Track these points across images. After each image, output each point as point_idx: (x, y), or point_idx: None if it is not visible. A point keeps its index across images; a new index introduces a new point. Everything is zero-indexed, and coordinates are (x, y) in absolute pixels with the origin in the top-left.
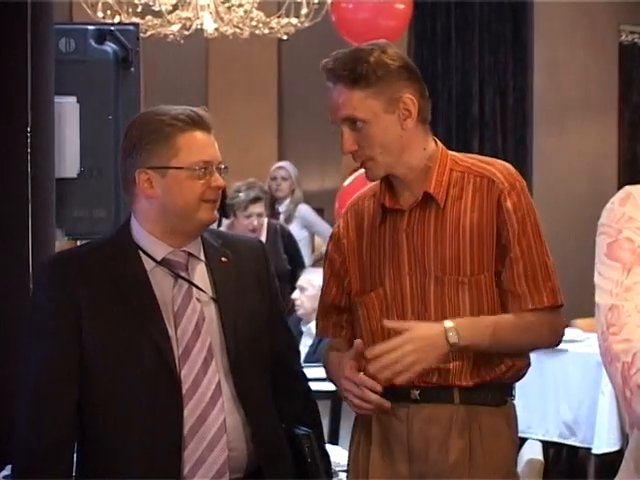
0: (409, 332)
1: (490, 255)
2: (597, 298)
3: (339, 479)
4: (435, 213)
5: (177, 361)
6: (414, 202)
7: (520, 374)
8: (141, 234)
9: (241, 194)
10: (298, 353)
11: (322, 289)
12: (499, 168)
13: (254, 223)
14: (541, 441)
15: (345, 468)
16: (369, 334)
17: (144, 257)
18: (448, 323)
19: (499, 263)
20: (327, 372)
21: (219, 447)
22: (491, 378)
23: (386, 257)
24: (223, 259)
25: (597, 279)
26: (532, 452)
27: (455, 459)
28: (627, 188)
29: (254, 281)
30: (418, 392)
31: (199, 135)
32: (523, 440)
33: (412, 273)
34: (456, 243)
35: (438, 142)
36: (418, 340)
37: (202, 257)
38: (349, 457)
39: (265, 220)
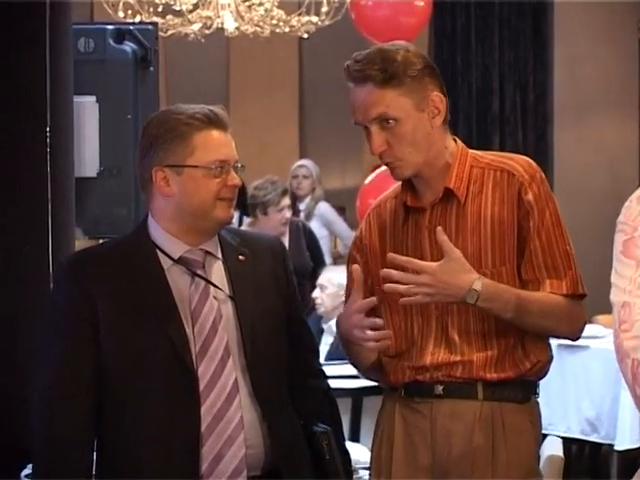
0: (437, 270)
1: (511, 247)
2: (612, 296)
3: (359, 477)
4: (456, 209)
5: (194, 359)
6: (435, 199)
7: (544, 371)
8: (158, 232)
9: (269, 190)
10: (317, 351)
11: (345, 292)
12: (518, 161)
13: (286, 215)
14: (563, 438)
15: (366, 465)
16: (391, 331)
17: (161, 255)
18: (476, 283)
19: (520, 255)
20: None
21: (237, 444)
22: (515, 375)
23: (409, 254)
24: (241, 257)
25: (613, 277)
26: (553, 448)
27: (478, 456)
28: None
29: (272, 279)
30: (442, 387)
31: (215, 134)
32: (544, 436)
33: None
34: (477, 237)
35: (458, 140)
36: (439, 282)
37: (219, 255)
38: (371, 454)
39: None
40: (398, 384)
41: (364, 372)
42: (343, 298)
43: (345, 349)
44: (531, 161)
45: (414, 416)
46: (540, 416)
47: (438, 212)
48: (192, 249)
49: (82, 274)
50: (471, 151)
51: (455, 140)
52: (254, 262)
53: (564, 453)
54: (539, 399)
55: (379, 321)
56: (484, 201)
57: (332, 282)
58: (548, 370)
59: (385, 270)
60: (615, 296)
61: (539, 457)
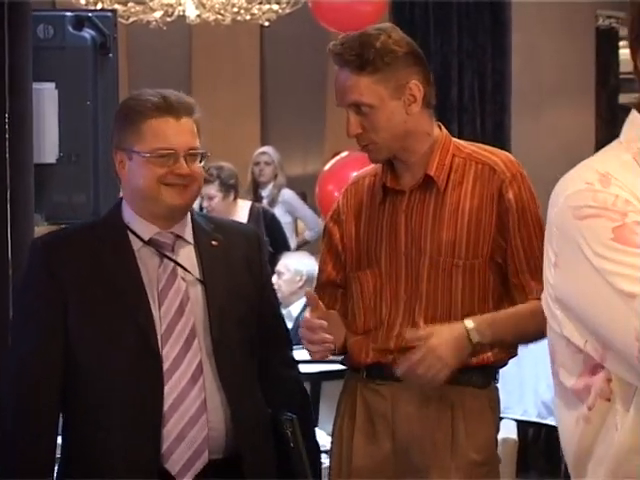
0: (431, 340)
1: (486, 242)
2: (620, 284)
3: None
4: (435, 196)
5: (159, 340)
6: (415, 184)
7: (506, 359)
8: (129, 214)
9: None
10: (288, 340)
11: (319, 265)
12: (501, 157)
13: (204, 204)
14: (520, 421)
15: (326, 449)
16: (361, 310)
17: (132, 237)
18: (469, 323)
19: (498, 251)
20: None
21: (199, 425)
22: (477, 362)
23: (383, 236)
24: (213, 242)
25: (604, 264)
26: (507, 431)
27: (438, 439)
28: (596, 167)
29: (244, 266)
30: None
31: (165, 122)
32: (499, 419)
33: (408, 253)
34: (453, 227)
35: (442, 127)
36: (440, 346)
37: (190, 240)
38: (332, 436)
39: (248, 203)
40: (361, 365)
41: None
42: (300, 284)
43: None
44: (514, 159)
45: (375, 398)
46: (499, 401)
47: (417, 197)
48: (162, 232)
49: (53, 257)
50: (454, 140)
51: (440, 127)
52: (227, 248)
53: (521, 436)
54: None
55: (329, 337)
56: (464, 192)
57: (289, 268)
58: (510, 358)
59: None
60: (627, 286)
61: (496, 440)
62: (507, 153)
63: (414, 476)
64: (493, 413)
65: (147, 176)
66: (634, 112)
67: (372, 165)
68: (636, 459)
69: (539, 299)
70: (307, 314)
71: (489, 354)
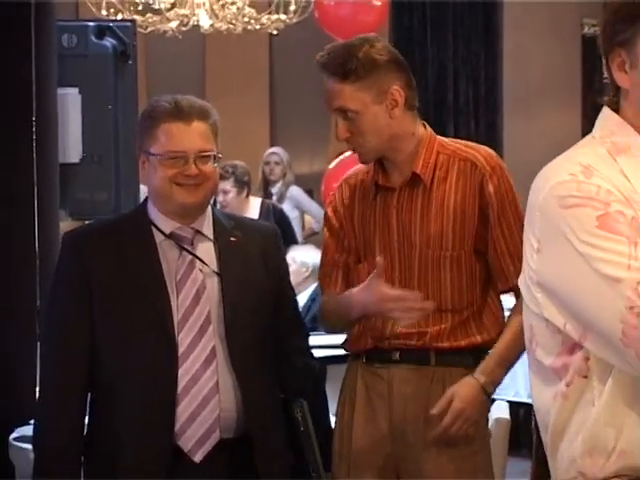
0: (455, 403)
1: (471, 233)
2: (605, 270)
3: None
4: (422, 192)
5: (175, 326)
6: (403, 181)
7: (494, 340)
8: (152, 211)
9: None
10: (304, 329)
11: (322, 250)
12: (482, 153)
13: (219, 199)
14: (512, 402)
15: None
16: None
17: (155, 231)
18: (481, 378)
19: (481, 242)
20: (334, 315)
21: (211, 406)
22: (466, 344)
23: (377, 229)
24: (232, 239)
25: (589, 250)
26: (499, 412)
27: (431, 417)
28: (578, 160)
29: (260, 261)
30: (398, 353)
31: (176, 126)
32: (492, 401)
33: (400, 246)
34: (440, 220)
35: (427, 127)
36: (465, 409)
37: (210, 235)
38: (335, 418)
39: (259, 200)
40: (360, 351)
41: (340, 328)
42: (306, 275)
43: (332, 316)
44: (493, 153)
45: (374, 379)
46: None
47: (406, 193)
48: (182, 227)
49: (82, 249)
50: (439, 137)
51: (424, 126)
52: (245, 244)
53: (512, 416)
54: None
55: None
56: (448, 187)
57: (295, 260)
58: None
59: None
60: (614, 272)
61: (487, 419)
62: (487, 148)
63: (409, 452)
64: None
65: (160, 176)
66: (606, 109)
67: (359, 167)
68: (611, 432)
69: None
70: (381, 291)
71: (478, 337)
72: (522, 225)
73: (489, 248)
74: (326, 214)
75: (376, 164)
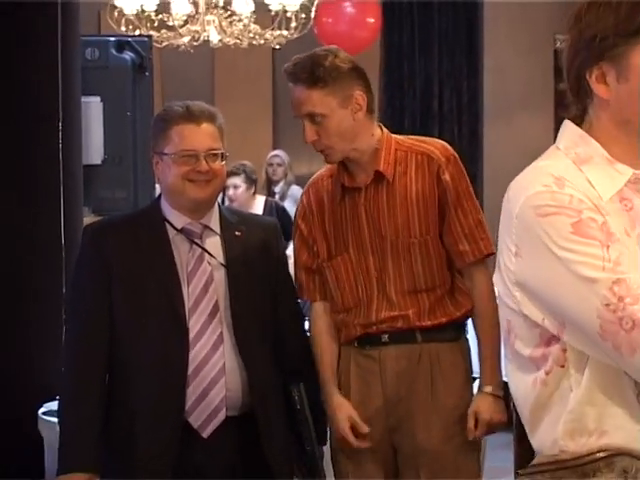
0: (482, 415)
1: (434, 219)
2: (582, 271)
3: None
4: (386, 187)
5: (187, 313)
6: (368, 180)
7: (470, 314)
8: (165, 207)
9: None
10: (300, 313)
11: (295, 257)
12: (436, 145)
13: (229, 193)
14: None
15: None
16: (338, 292)
17: (168, 226)
18: (488, 388)
19: (442, 226)
20: (315, 357)
21: (218, 386)
22: (447, 320)
23: (348, 227)
24: (237, 233)
25: (567, 254)
26: None
27: (421, 389)
28: (550, 172)
29: (262, 252)
30: (387, 336)
31: (188, 128)
32: (472, 369)
33: (372, 239)
34: (405, 210)
35: (383, 128)
36: (493, 418)
37: (217, 230)
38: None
39: (263, 198)
40: (351, 339)
41: None
42: None
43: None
44: (446, 144)
45: (366, 361)
46: (470, 350)
47: (371, 191)
48: (193, 222)
49: (101, 240)
50: (394, 136)
51: (380, 127)
52: (248, 237)
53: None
54: (472, 345)
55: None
56: (409, 180)
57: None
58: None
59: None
60: (592, 273)
61: (472, 387)
62: (440, 141)
63: (402, 424)
64: (465, 361)
65: (174, 173)
66: (568, 122)
67: (326, 167)
68: (590, 415)
69: (473, 262)
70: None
71: (457, 313)
72: (475, 209)
73: (445, 230)
74: (295, 222)
75: (340, 167)
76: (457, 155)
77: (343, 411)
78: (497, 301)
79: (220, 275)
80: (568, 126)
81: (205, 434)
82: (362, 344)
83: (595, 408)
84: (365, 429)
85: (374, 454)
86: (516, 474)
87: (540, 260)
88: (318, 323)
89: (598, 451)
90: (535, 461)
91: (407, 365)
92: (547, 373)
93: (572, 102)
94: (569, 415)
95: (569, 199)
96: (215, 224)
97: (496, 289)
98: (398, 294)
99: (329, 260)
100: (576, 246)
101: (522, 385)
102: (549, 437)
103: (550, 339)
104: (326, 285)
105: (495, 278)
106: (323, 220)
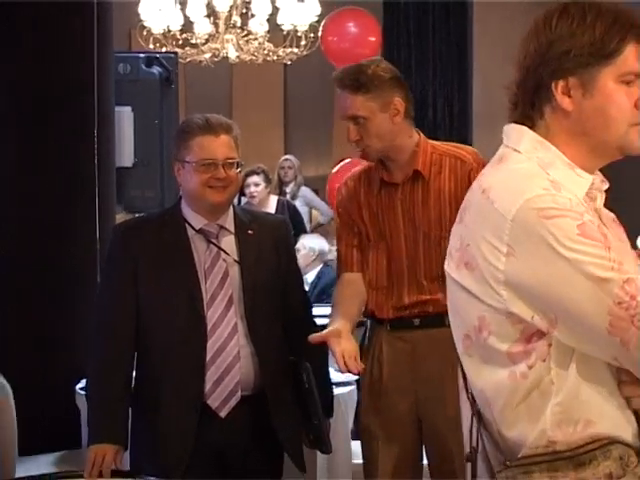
0: None
1: None
2: (594, 272)
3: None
4: (422, 185)
5: (205, 306)
6: (406, 177)
7: None
8: (185, 209)
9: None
10: (308, 302)
11: (337, 237)
12: (467, 151)
13: (250, 190)
14: None
15: (335, 381)
16: (374, 272)
17: (187, 227)
18: None
19: None
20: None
21: (233, 372)
22: None
23: (384, 218)
24: (249, 232)
25: (576, 255)
26: None
27: (446, 371)
28: (543, 175)
29: (273, 249)
30: (418, 320)
31: (207, 139)
32: None
33: (406, 229)
34: (438, 207)
35: (420, 133)
36: None
37: (232, 229)
38: (363, 377)
39: (276, 197)
40: (384, 319)
41: None
42: (313, 257)
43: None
44: (477, 151)
45: (399, 342)
46: None
47: (408, 187)
48: (210, 223)
49: (129, 240)
50: (430, 141)
51: (418, 132)
52: (260, 235)
53: None
54: None
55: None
56: (442, 180)
57: (305, 246)
58: None
59: None
60: (601, 273)
61: None
62: (472, 148)
63: (429, 404)
64: None
65: (194, 180)
66: (522, 127)
67: (361, 166)
68: (576, 406)
69: None
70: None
71: None
72: None
73: None
74: (336, 208)
75: (378, 165)
76: (485, 161)
77: (339, 345)
78: (460, 299)
79: (234, 271)
80: (526, 131)
81: (222, 414)
82: (394, 327)
83: (581, 399)
84: (359, 367)
85: (402, 427)
86: (504, 466)
87: (542, 260)
88: (345, 286)
89: (593, 441)
90: (525, 453)
91: (437, 348)
92: (530, 367)
93: (520, 104)
94: (557, 407)
95: (569, 202)
96: (230, 224)
97: (458, 288)
98: (427, 279)
99: (368, 242)
100: (584, 247)
101: (492, 378)
102: (533, 428)
103: (532, 335)
104: (365, 263)
105: (463, 277)
106: (360, 210)
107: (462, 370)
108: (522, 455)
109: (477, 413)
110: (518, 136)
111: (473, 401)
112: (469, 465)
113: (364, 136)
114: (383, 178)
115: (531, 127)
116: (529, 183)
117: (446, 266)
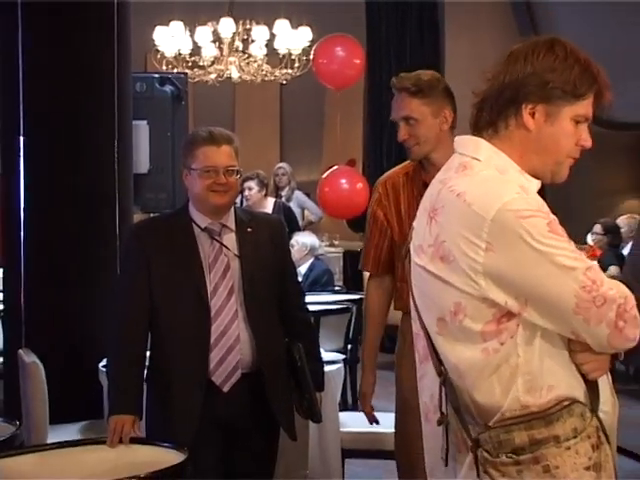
0: None
1: None
2: (563, 262)
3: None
4: None
5: (209, 295)
6: None
7: None
8: (192, 210)
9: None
10: (301, 292)
11: (366, 237)
12: None
13: (245, 193)
14: None
15: (328, 360)
16: (400, 263)
17: (194, 226)
18: None
19: None
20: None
21: (234, 353)
22: None
23: None
24: (249, 229)
25: (547, 249)
26: None
27: None
28: (512, 181)
29: (269, 243)
30: None
31: (210, 149)
32: None
33: None
34: None
35: None
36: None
37: (233, 227)
38: (395, 364)
39: (273, 199)
40: (407, 308)
41: None
42: (305, 252)
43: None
44: None
45: None
46: None
47: None
48: (213, 222)
49: (143, 236)
50: None
51: None
52: (258, 232)
53: None
54: None
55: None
56: None
57: (298, 242)
58: None
59: None
60: (571, 262)
61: None
62: None
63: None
64: None
65: (199, 185)
66: (480, 140)
67: (399, 167)
68: (542, 371)
69: None
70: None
71: None
72: None
73: None
74: (372, 208)
75: (418, 168)
76: None
77: (366, 391)
78: (435, 288)
79: (235, 264)
80: (482, 142)
81: (225, 389)
82: None
83: (544, 369)
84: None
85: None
86: (486, 427)
87: (518, 253)
88: (372, 294)
89: (558, 402)
90: (504, 416)
91: None
92: (502, 344)
93: (487, 110)
94: (526, 376)
95: (537, 204)
96: (231, 223)
97: (431, 278)
98: None
99: (402, 242)
100: (554, 242)
101: (466, 354)
102: (506, 395)
103: (502, 317)
104: (392, 263)
105: (439, 269)
106: (399, 208)
107: (432, 348)
108: (501, 418)
109: (444, 383)
110: (475, 146)
111: (444, 373)
112: (442, 427)
113: (413, 136)
114: (425, 181)
115: (492, 133)
116: (504, 188)
117: (416, 259)
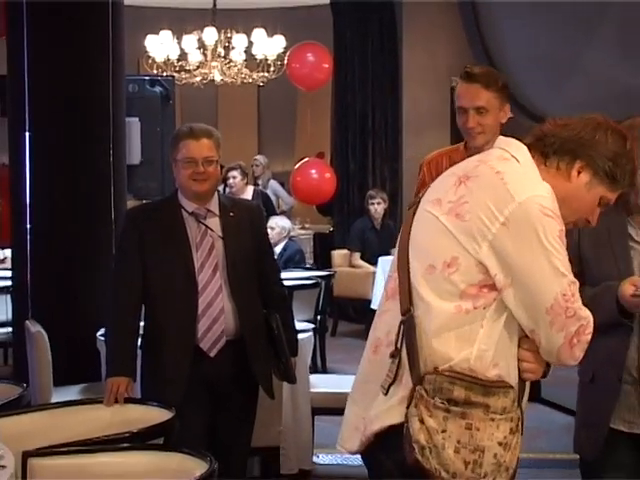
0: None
1: None
2: (558, 266)
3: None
4: None
5: (196, 271)
6: None
7: None
8: (180, 197)
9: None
10: (277, 268)
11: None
12: None
13: (229, 181)
14: None
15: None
16: None
17: (182, 210)
18: None
19: None
20: None
21: (219, 322)
22: None
23: None
24: (231, 214)
25: (551, 249)
26: None
27: None
28: (544, 183)
29: (248, 226)
30: None
31: (190, 142)
32: None
33: None
34: None
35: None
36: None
37: (217, 212)
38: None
39: (252, 187)
40: None
41: None
42: (284, 234)
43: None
44: None
45: None
46: None
47: None
48: (199, 207)
49: (137, 219)
50: None
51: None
52: (239, 216)
53: None
54: None
55: None
56: None
57: (277, 224)
58: None
59: None
60: (564, 269)
61: None
62: None
63: None
64: None
65: (182, 174)
66: (526, 149)
67: (443, 149)
68: (495, 347)
69: None
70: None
71: None
72: None
73: None
74: (417, 188)
75: (464, 152)
76: None
77: None
78: (437, 236)
79: (219, 244)
80: (525, 149)
81: (212, 354)
82: None
83: (497, 348)
84: None
85: None
86: (435, 370)
87: (526, 241)
88: None
89: (499, 381)
90: (453, 368)
91: None
92: (474, 308)
93: (549, 142)
94: (482, 346)
95: (558, 211)
96: (215, 208)
97: (439, 228)
98: None
99: None
100: (558, 246)
101: (438, 305)
102: (458, 353)
103: (485, 286)
104: None
105: (451, 223)
106: None
107: (406, 287)
108: (449, 368)
109: (405, 322)
110: (518, 149)
111: (410, 312)
112: (393, 360)
113: (481, 124)
114: None
115: (539, 159)
116: (540, 185)
117: (429, 208)
